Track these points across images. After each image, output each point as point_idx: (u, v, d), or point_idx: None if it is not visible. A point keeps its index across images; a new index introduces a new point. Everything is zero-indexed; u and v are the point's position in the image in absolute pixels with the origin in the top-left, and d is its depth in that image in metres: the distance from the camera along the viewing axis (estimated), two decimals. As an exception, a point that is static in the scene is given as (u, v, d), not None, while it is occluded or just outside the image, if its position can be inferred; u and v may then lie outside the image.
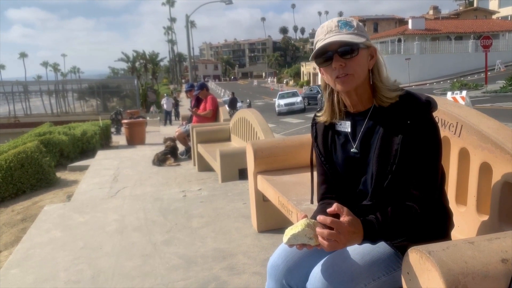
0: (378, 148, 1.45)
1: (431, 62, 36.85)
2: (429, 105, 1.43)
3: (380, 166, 1.44)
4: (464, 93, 13.28)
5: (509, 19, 50.41)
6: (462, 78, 29.91)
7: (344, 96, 1.52)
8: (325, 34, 1.43)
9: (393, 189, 1.43)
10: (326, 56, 1.43)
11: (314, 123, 1.67)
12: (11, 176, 6.29)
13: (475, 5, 58.53)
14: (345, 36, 1.40)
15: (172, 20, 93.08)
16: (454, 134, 1.92)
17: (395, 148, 1.40)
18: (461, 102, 12.42)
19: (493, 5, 55.66)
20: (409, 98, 1.45)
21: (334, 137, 1.60)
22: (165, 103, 24.31)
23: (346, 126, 1.56)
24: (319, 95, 30.52)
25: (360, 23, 1.47)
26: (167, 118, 23.53)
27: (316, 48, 1.44)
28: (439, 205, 1.49)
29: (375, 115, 1.49)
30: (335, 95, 1.56)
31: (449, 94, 13.97)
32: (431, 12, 67.01)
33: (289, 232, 1.36)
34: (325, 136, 1.61)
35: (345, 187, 1.58)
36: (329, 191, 1.64)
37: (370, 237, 1.33)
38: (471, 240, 1.20)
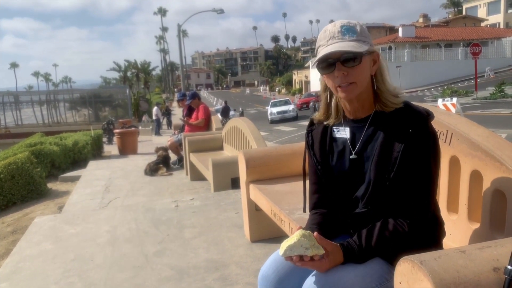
0: (378, 154, 1.44)
1: (421, 70, 37.16)
2: (429, 115, 1.43)
3: (379, 173, 1.43)
4: (454, 100, 13.36)
5: (497, 26, 51.09)
6: (452, 85, 30.20)
7: (346, 103, 1.51)
8: (328, 40, 1.40)
9: (389, 196, 1.43)
10: (328, 63, 1.40)
11: (310, 131, 1.65)
12: (1, 188, 6.21)
13: (464, 13, 59.28)
14: (348, 44, 1.37)
15: (164, 29, 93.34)
16: (445, 142, 1.93)
17: (395, 156, 1.40)
18: (452, 109, 12.50)
19: (481, 13, 56.42)
20: (408, 107, 1.45)
21: (332, 144, 1.58)
22: (155, 112, 24.25)
23: (344, 133, 1.54)
24: (311, 103, 30.53)
25: (364, 27, 1.45)
26: (157, 127, 23.46)
27: (318, 55, 1.41)
28: (431, 214, 1.49)
29: (375, 122, 1.48)
30: (334, 98, 1.55)
31: (440, 101, 14.06)
32: (421, 20, 67.81)
33: (284, 244, 1.35)
34: (323, 144, 1.59)
35: (339, 195, 1.57)
36: (321, 201, 1.63)
37: (350, 261, 1.39)
38: (463, 249, 1.19)
